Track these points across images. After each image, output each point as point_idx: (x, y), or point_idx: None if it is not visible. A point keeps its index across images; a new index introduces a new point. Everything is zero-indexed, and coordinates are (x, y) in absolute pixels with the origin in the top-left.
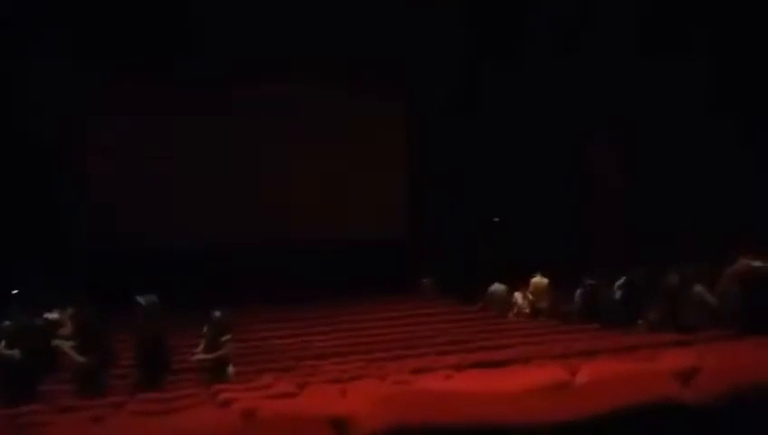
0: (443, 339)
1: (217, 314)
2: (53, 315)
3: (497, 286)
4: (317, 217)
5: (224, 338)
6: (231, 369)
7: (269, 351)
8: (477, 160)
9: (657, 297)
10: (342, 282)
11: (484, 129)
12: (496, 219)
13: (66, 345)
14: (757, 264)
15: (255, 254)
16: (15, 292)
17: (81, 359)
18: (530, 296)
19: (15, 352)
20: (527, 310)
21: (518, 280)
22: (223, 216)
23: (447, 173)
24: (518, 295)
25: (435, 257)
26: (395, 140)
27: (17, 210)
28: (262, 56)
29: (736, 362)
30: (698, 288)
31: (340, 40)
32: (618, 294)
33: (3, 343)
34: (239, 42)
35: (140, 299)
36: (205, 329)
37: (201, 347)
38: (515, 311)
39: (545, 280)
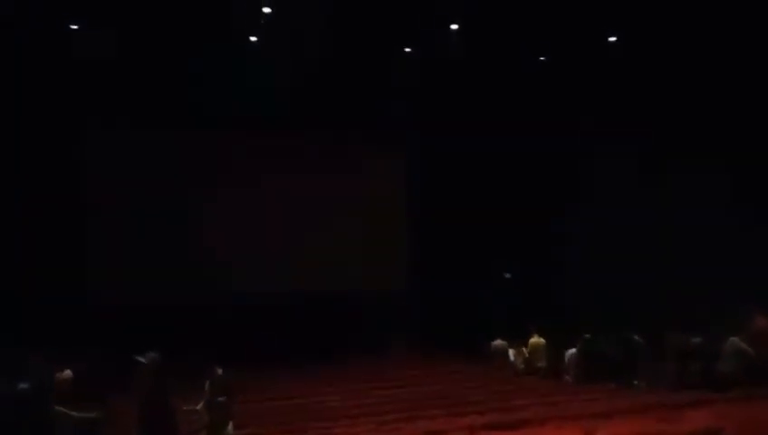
0: (453, 399)
1: (219, 371)
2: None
3: (499, 342)
4: (319, 273)
5: (222, 398)
6: (231, 428)
7: (280, 412)
8: (480, 214)
9: (668, 355)
10: (348, 339)
11: (482, 182)
12: (507, 275)
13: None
14: None
15: (264, 309)
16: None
17: (79, 415)
18: (526, 354)
19: None
20: (522, 367)
21: (517, 337)
22: (227, 273)
23: (449, 226)
24: (512, 352)
25: (436, 312)
26: (396, 196)
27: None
28: (267, 111)
29: (760, 423)
30: (734, 339)
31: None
32: (615, 353)
33: None
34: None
35: (141, 358)
36: (206, 385)
37: (201, 404)
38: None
39: (542, 340)
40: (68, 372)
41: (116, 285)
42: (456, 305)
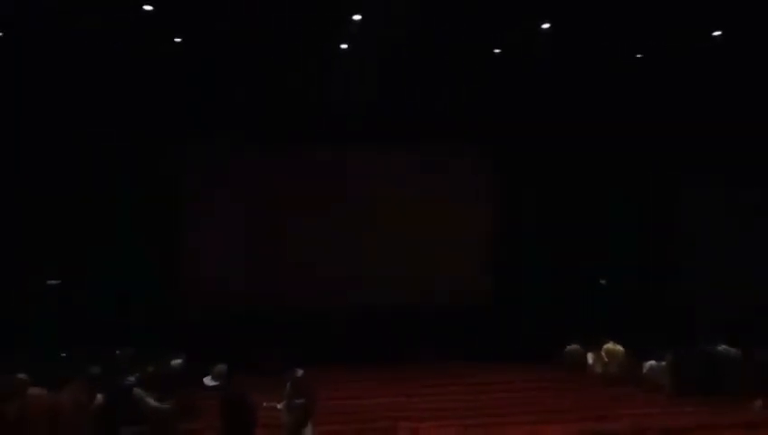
0: (538, 406)
1: (299, 373)
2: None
3: (574, 347)
4: (408, 282)
5: (301, 399)
6: (309, 430)
7: (366, 411)
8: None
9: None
10: (435, 346)
11: (572, 186)
12: (603, 281)
13: (143, 392)
14: None
15: (353, 316)
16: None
17: (156, 404)
18: (605, 359)
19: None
20: (600, 372)
21: (593, 342)
22: (322, 279)
23: (534, 230)
24: (591, 356)
25: (524, 322)
26: (482, 201)
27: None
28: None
29: None
30: None
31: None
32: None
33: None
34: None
35: (209, 381)
36: (287, 387)
37: (282, 404)
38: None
39: (619, 347)
40: (178, 361)
41: (209, 293)
42: (545, 314)
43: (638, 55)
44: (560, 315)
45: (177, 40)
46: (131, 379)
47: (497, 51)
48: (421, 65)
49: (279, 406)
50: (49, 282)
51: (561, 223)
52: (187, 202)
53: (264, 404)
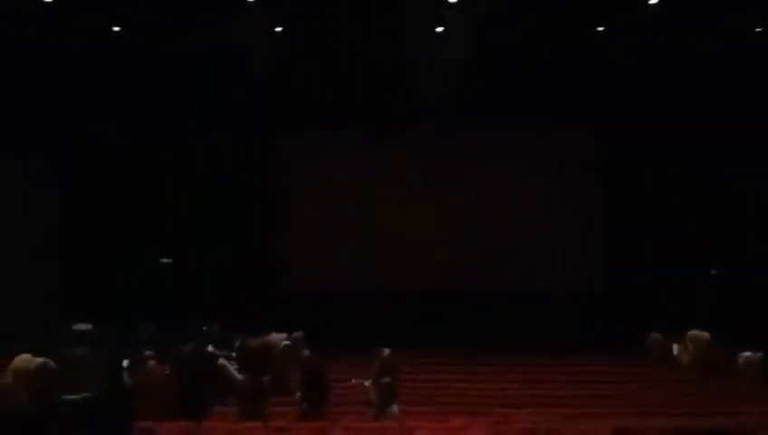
0: (627, 399)
1: (385, 351)
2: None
3: (657, 335)
4: (507, 267)
5: (387, 378)
6: (395, 408)
7: (460, 395)
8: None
9: None
10: (533, 333)
11: (679, 174)
12: (714, 272)
13: (230, 366)
14: None
15: (447, 301)
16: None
17: (242, 378)
18: (691, 349)
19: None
20: (687, 361)
21: (678, 331)
22: (418, 262)
23: (650, 222)
24: (676, 347)
25: (632, 311)
26: (587, 186)
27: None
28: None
29: None
30: None
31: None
32: None
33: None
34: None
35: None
36: (375, 365)
37: (369, 382)
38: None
39: (705, 334)
40: (283, 336)
41: (315, 274)
42: (653, 304)
43: (758, 29)
44: (664, 305)
45: (278, 29)
46: (218, 352)
47: (600, 29)
48: (529, 40)
49: (366, 383)
50: (162, 260)
51: (670, 208)
52: (291, 188)
53: (353, 381)
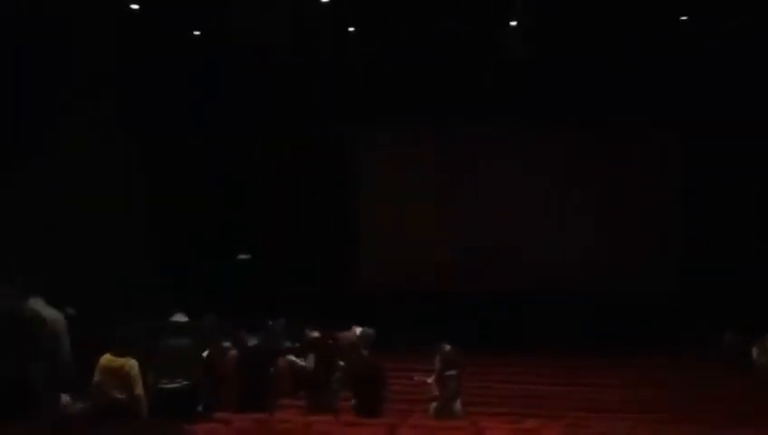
0: (726, 404)
1: (447, 347)
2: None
3: (730, 336)
4: (590, 269)
5: (449, 372)
6: (459, 404)
7: (537, 396)
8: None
9: None
10: (613, 336)
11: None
12: None
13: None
14: None
15: (532, 302)
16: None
17: (309, 371)
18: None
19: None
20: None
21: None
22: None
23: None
24: (756, 351)
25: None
26: (669, 185)
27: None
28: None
29: None
30: None
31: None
32: None
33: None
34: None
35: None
36: (436, 360)
37: (432, 378)
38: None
39: None
40: (355, 331)
41: (383, 269)
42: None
43: None
44: (738, 306)
45: (351, 29)
46: (285, 346)
47: (684, 18)
48: (607, 40)
49: (429, 380)
50: (240, 256)
51: (749, 213)
52: (364, 185)
53: (415, 378)
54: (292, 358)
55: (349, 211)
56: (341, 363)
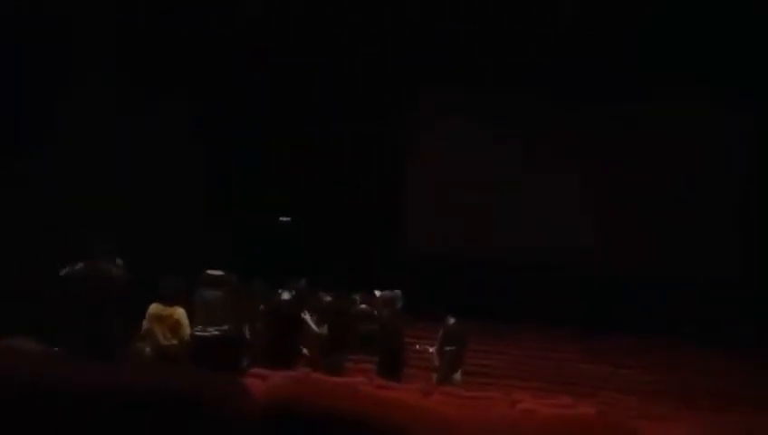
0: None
1: (451, 320)
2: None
3: None
4: (646, 252)
5: (452, 346)
6: (458, 376)
7: (575, 374)
8: None
9: None
10: (667, 321)
11: None
12: None
13: (309, 318)
14: None
15: (588, 281)
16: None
17: (319, 331)
18: None
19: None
20: None
21: None
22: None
23: None
24: None
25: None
26: (733, 163)
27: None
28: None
29: None
30: None
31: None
32: None
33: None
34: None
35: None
36: (440, 333)
37: (434, 349)
38: None
39: None
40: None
41: (432, 237)
42: None
43: None
44: None
45: None
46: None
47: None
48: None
49: (431, 350)
50: (281, 219)
51: None
52: (410, 156)
53: (417, 347)
54: (306, 317)
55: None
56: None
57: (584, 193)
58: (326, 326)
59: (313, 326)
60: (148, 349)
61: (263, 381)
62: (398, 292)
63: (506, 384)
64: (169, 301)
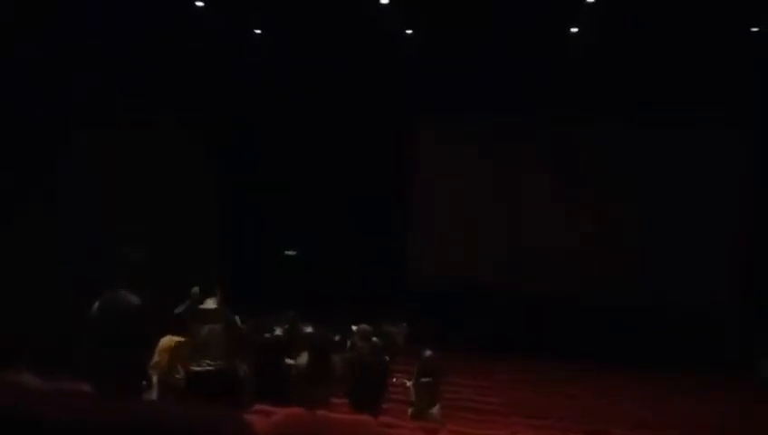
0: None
1: (427, 353)
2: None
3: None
4: (645, 278)
5: (425, 379)
6: (436, 410)
7: (580, 408)
8: None
9: None
10: (670, 350)
11: None
12: None
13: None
14: None
15: (587, 311)
16: None
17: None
18: None
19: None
20: None
21: None
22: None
23: None
24: None
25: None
26: (733, 187)
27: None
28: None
29: None
30: None
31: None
32: None
33: None
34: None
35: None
36: (417, 365)
37: (411, 383)
38: None
39: None
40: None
41: (431, 266)
42: None
43: None
44: None
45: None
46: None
47: (755, 29)
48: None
49: (408, 384)
50: (287, 252)
51: None
52: (414, 187)
53: (395, 380)
54: (291, 362)
55: (398, 211)
56: (337, 359)
57: (582, 215)
58: (306, 358)
59: (289, 361)
60: (154, 380)
61: (265, 418)
62: (403, 324)
63: (512, 422)
64: (181, 331)
